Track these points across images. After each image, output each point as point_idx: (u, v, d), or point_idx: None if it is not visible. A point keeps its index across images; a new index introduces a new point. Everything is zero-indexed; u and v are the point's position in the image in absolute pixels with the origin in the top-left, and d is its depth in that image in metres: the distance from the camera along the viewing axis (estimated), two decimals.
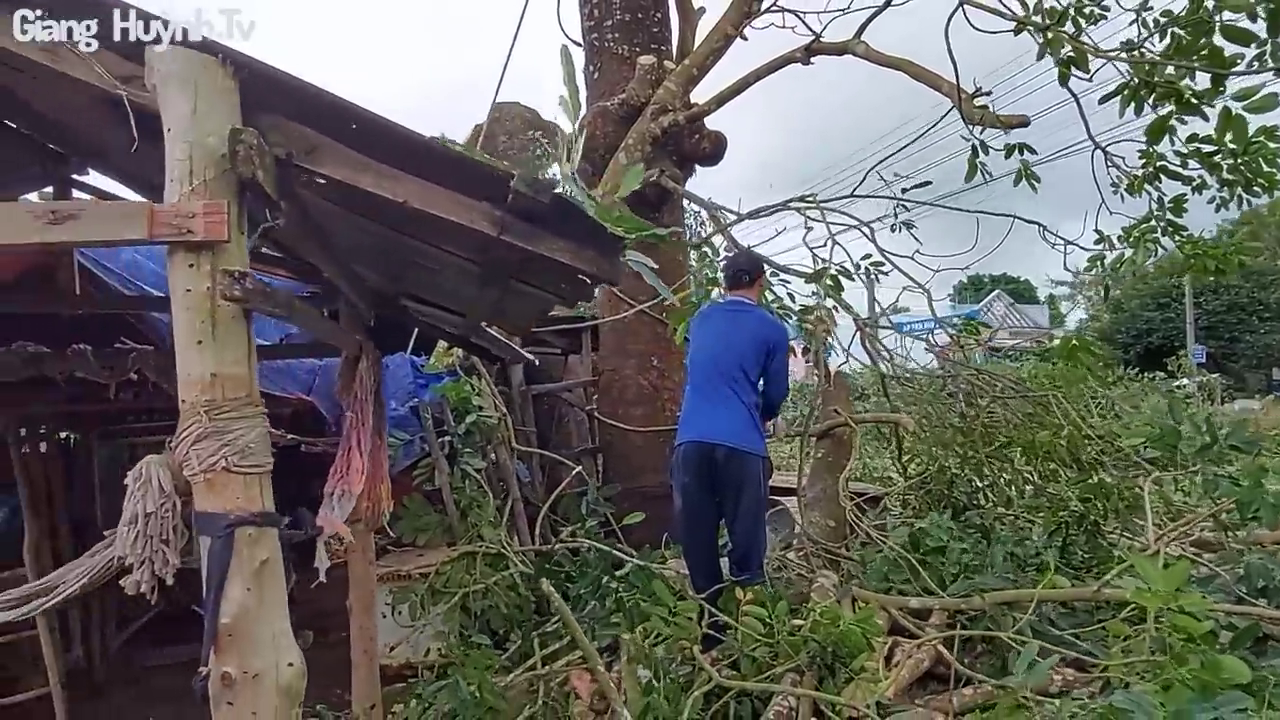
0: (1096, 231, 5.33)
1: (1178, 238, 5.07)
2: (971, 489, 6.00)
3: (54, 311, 4.01)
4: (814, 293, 5.57)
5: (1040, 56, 4.12)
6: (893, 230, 5.18)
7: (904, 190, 5.07)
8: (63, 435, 5.81)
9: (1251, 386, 28.75)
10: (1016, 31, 4.11)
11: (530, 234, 1.68)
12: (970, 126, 4.37)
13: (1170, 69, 4.33)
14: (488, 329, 4.12)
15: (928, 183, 4.96)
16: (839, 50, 4.83)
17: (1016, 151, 4.65)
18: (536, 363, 5.30)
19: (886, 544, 4.56)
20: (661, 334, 6.45)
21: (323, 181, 1.73)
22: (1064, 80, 4.18)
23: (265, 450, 1.50)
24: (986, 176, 4.70)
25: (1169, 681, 2.63)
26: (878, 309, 6.84)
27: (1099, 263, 5.36)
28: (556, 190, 1.59)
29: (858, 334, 5.86)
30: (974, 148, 4.68)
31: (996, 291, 40.76)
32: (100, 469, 5.94)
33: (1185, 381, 22.76)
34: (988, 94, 4.15)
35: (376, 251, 2.90)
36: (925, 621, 4.22)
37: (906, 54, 4.88)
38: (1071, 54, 4.00)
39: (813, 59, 4.98)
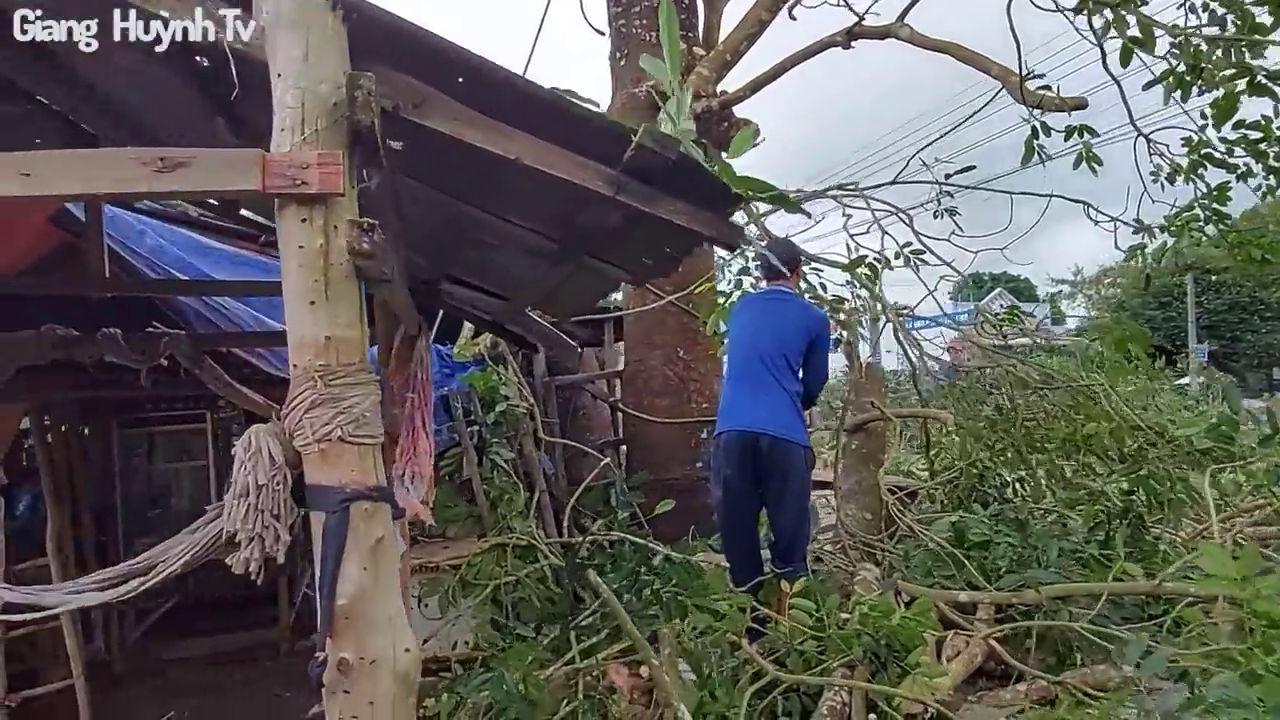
0: (1136, 221, 5.25)
1: (1222, 226, 4.99)
2: (1001, 483, 5.93)
3: (85, 294, 3.92)
4: (847, 282, 5.48)
5: (1104, 34, 4.03)
6: (935, 216, 5.11)
7: (947, 176, 4.98)
8: (80, 423, 5.71)
9: (1253, 386, 28.78)
10: (1079, 10, 4.01)
11: (647, 195, 1.59)
12: (1030, 109, 4.28)
13: (1219, 53, 4.25)
14: (529, 314, 4.02)
15: (972, 167, 4.89)
16: (881, 34, 4.73)
17: (1077, 134, 4.56)
18: (580, 350, 5.19)
19: (929, 537, 4.47)
20: (688, 325, 6.37)
21: (395, 148, 1.63)
22: (1126, 60, 4.08)
23: (378, 420, 1.40)
24: (1044, 159, 4.61)
25: (1253, 673, 2.55)
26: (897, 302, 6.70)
27: (1140, 251, 5.28)
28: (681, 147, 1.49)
29: (889, 326, 5.77)
30: (1033, 129, 4.58)
31: (998, 290, 40.64)
32: (119, 457, 5.84)
33: (1188, 380, 22.71)
34: (1041, 76, 4.08)
35: (434, 226, 2.80)
36: (972, 616, 4.14)
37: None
38: (1137, 34, 3.91)
39: (853, 43, 4.88)
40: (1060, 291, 44.45)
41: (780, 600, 4.16)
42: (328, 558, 1.32)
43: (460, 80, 1.47)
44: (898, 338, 5.63)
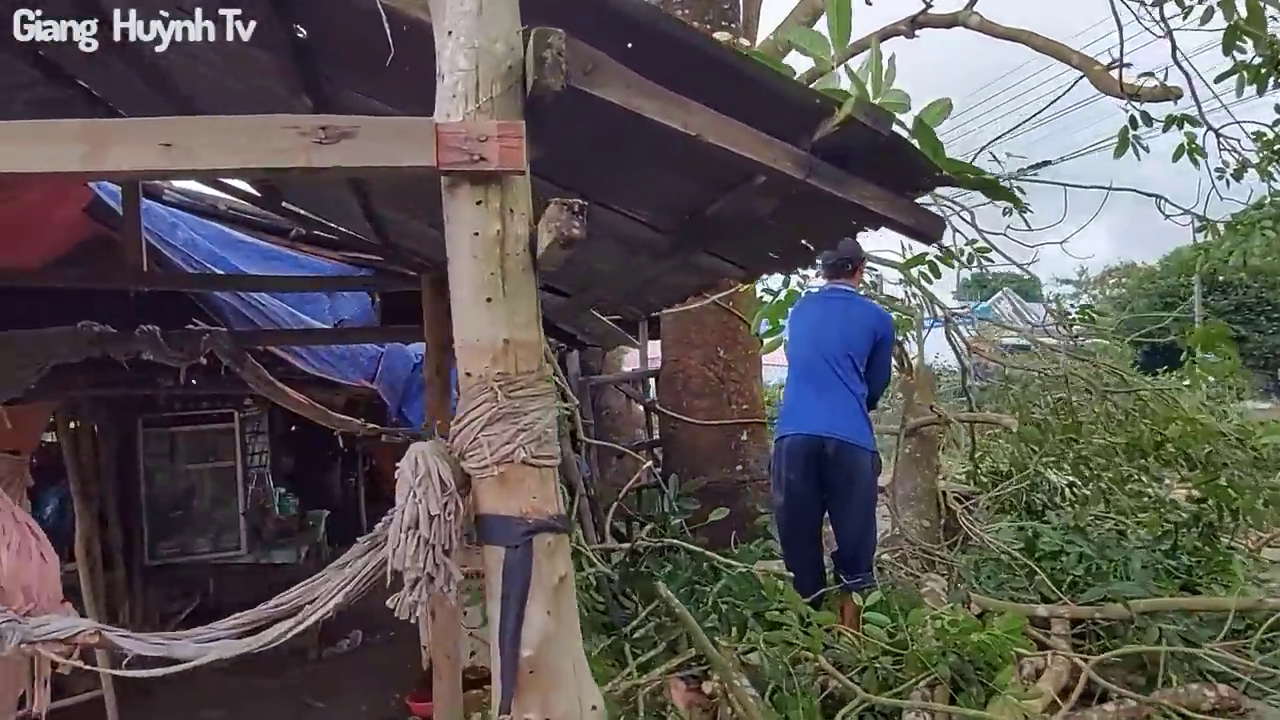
0: (1202, 218, 5.07)
1: None
2: (1051, 489, 5.75)
3: (123, 288, 3.72)
4: (900, 281, 5.31)
5: (1204, 20, 3.84)
6: (1005, 214, 4.94)
7: (1021, 171, 4.81)
8: (106, 422, 5.51)
9: (1258, 387, 28.65)
10: None
11: (839, 178, 1.40)
12: (1127, 99, 4.09)
13: None
14: (591, 313, 3.81)
15: (1048, 163, 4.71)
16: (948, 22, 4.54)
17: (1176, 125, 4.36)
18: (638, 345, 5.00)
19: (999, 547, 4.28)
20: (728, 324, 6.19)
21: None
22: (1229, 47, 3.90)
23: (556, 439, 1.21)
24: (1140, 152, 4.42)
25: None
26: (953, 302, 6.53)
27: (1205, 252, 5.11)
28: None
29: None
30: (1131, 119, 4.39)
31: (1004, 289, 40.28)
32: (144, 458, 5.66)
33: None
34: (1129, 65, 3.89)
35: None
36: (1047, 631, 3.97)
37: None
38: (1244, 18, 3.71)
39: (918, 32, 4.69)
40: (1059, 294, 44.23)
41: (844, 611, 3.98)
42: (510, 599, 1.12)
43: (630, 44, 1.27)
44: (949, 339, 5.44)
